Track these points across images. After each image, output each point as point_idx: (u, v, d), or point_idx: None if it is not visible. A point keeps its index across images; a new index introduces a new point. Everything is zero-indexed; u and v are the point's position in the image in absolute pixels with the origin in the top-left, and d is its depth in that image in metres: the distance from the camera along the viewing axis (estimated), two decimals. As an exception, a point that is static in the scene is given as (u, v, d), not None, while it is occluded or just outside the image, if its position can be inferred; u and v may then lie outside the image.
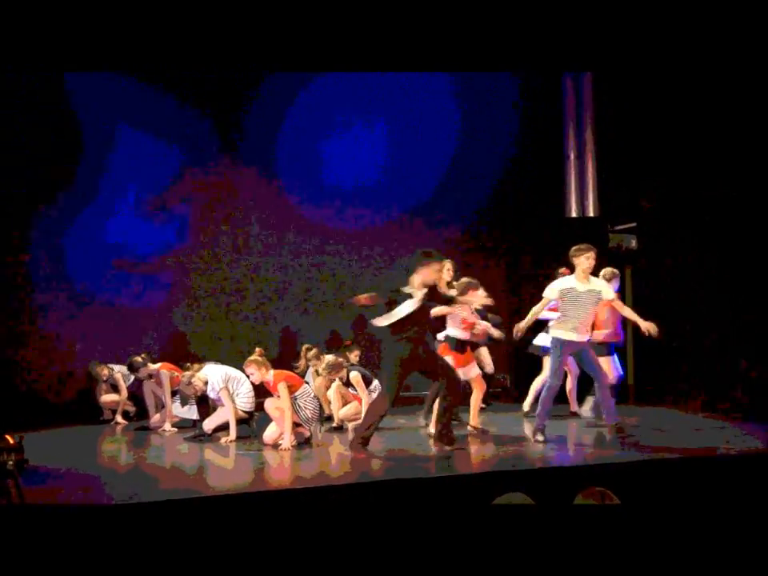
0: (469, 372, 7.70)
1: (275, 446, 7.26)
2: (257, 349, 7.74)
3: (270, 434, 7.41)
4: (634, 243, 10.96)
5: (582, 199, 11.18)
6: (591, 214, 11.14)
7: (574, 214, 11.20)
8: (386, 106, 10.84)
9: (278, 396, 7.27)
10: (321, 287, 10.87)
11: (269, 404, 7.36)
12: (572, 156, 11.16)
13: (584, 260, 7.28)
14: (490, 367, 9.17)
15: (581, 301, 7.25)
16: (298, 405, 7.35)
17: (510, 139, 11.12)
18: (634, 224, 10.90)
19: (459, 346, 7.64)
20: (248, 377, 7.55)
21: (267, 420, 7.53)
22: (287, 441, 7.14)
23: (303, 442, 7.40)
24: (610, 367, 8.27)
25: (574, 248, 7.37)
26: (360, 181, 10.79)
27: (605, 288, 7.47)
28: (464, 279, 7.73)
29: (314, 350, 9.00)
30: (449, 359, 7.39)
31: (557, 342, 7.28)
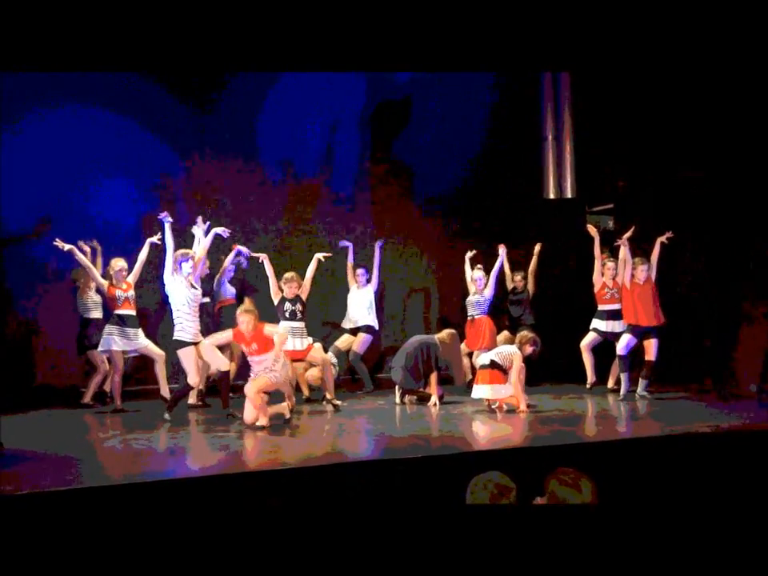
0: None
1: (255, 427, 7.27)
2: (246, 299, 7.76)
3: (249, 414, 7.41)
4: (611, 224, 11.02)
5: (559, 180, 11.21)
6: (569, 196, 11.17)
7: (551, 196, 11.24)
8: (363, 82, 10.78)
9: (257, 350, 7.30)
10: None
11: (248, 387, 7.36)
12: (550, 137, 11.17)
13: None
14: None
15: None
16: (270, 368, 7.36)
17: (487, 121, 11.12)
18: (611, 205, 10.96)
19: None
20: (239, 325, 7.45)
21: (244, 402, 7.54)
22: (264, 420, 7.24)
23: (284, 422, 7.42)
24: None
25: None
26: (338, 162, 10.76)
27: None
28: None
29: None
30: None
31: None
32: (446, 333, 9.07)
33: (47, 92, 9.44)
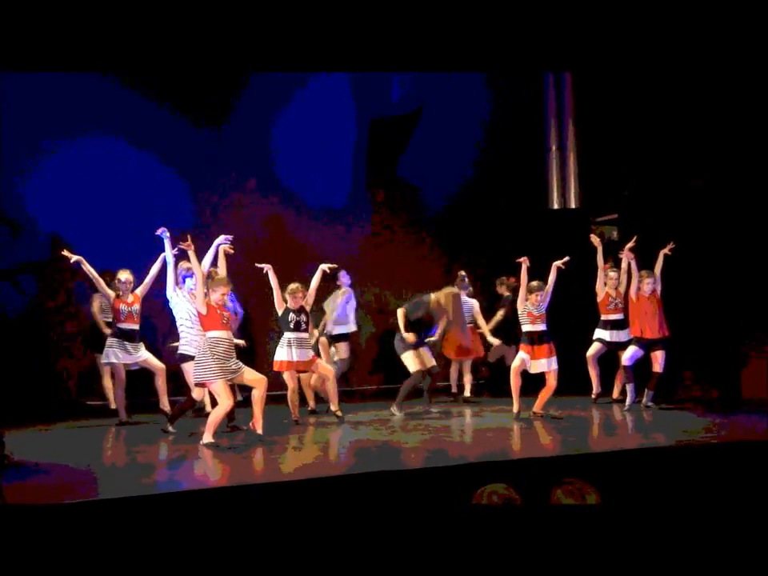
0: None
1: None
2: (211, 270, 7.63)
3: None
4: (615, 234, 11.00)
5: (563, 191, 11.21)
6: (573, 206, 11.17)
7: (555, 206, 11.23)
8: (367, 94, 10.80)
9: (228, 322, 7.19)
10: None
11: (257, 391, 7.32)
12: (553, 148, 11.19)
13: None
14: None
15: None
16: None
17: (491, 131, 11.13)
18: (615, 215, 10.94)
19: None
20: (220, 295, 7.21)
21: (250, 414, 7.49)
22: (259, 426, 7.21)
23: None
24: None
25: None
26: (340, 172, 10.77)
27: None
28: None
29: None
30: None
31: None
32: (443, 291, 9.02)
33: (64, 122, 9.60)
